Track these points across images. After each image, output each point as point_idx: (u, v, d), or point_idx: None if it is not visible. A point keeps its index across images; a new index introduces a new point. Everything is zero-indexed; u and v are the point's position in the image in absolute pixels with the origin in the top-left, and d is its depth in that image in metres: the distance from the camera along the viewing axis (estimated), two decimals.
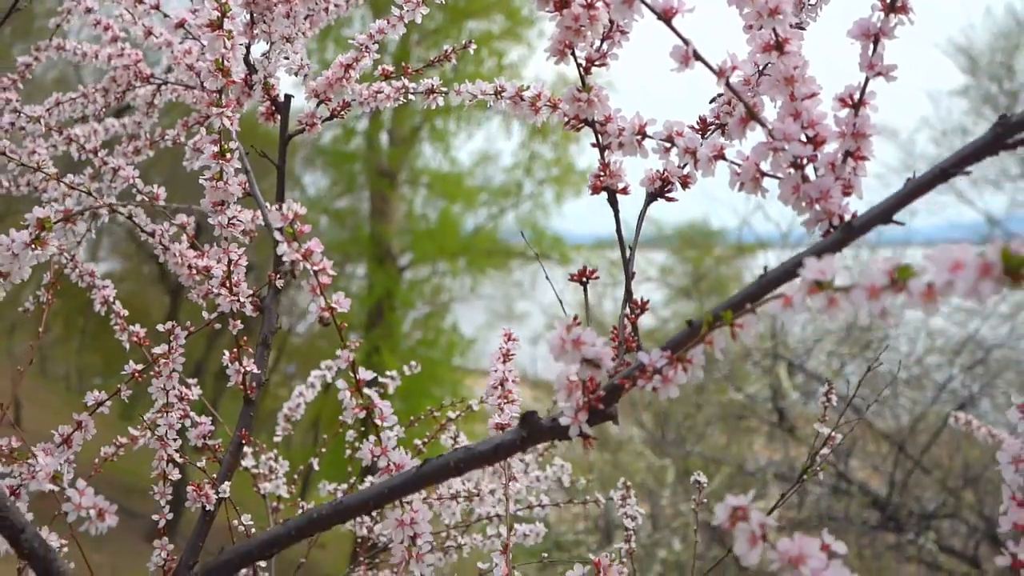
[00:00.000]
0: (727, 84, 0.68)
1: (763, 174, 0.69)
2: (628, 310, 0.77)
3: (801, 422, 6.79)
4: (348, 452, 1.46)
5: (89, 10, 1.31)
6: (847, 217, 0.64)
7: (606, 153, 0.80)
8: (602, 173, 0.81)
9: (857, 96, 0.66)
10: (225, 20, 0.84)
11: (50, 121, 1.24)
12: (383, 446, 0.77)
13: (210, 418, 1.16)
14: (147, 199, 1.20)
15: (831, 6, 0.88)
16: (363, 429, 1.59)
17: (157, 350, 1.01)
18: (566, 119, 0.81)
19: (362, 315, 9.43)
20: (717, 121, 0.79)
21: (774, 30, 0.67)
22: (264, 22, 1.07)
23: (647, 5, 0.66)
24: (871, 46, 0.66)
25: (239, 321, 1.08)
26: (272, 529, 0.72)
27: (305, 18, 1.10)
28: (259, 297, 1.11)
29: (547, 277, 1.09)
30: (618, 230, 0.80)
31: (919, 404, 7.21)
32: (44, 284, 1.25)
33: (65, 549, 0.95)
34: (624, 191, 0.80)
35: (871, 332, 7.33)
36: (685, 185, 0.80)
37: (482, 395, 1.34)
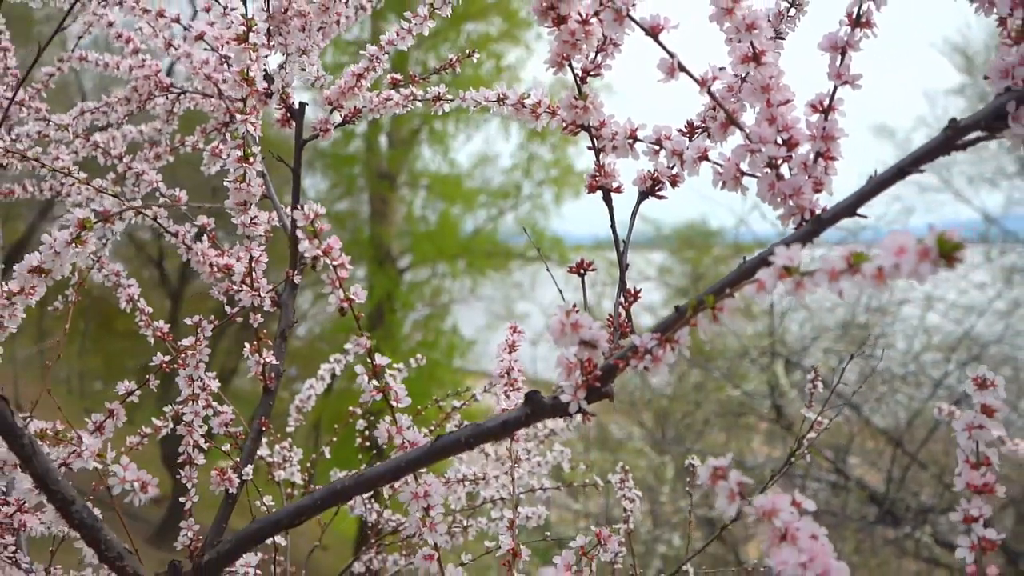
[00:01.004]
0: (709, 92, 0.76)
1: (742, 173, 0.76)
2: (622, 298, 0.85)
3: (799, 419, 6.85)
4: (359, 440, 1.53)
5: (111, 23, 1.38)
6: (817, 211, 0.72)
7: (601, 155, 0.87)
8: (597, 174, 0.88)
9: (827, 102, 0.74)
10: (251, 34, 0.91)
11: (77, 129, 1.32)
12: (398, 425, 0.84)
13: (230, 407, 1.23)
14: (169, 201, 1.27)
15: (808, 17, 0.96)
16: (371, 418, 1.65)
17: (185, 342, 1.08)
18: (564, 124, 0.88)
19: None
20: (703, 125, 0.86)
21: (751, 43, 0.74)
22: (280, 34, 1.14)
23: (636, 22, 0.74)
24: (839, 57, 0.73)
25: (259, 315, 1.16)
26: (300, 500, 0.79)
27: (318, 30, 1.17)
28: (277, 293, 1.19)
29: (548, 270, 1.16)
30: (612, 226, 0.88)
31: (916, 400, 7.28)
32: (72, 284, 1.32)
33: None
34: (618, 190, 0.88)
35: (867, 329, 7.41)
36: (674, 184, 0.87)
37: (487, 384, 1.42)
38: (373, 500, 1.59)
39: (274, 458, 1.50)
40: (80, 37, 1.48)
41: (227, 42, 1.16)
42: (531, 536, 1.37)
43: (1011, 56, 0.64)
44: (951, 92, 8.55)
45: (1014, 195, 8.47)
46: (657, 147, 0.84)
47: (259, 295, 1.09)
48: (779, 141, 0.74)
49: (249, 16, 0.92)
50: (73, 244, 0.87)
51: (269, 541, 1.34)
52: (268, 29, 1.13)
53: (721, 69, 0.78)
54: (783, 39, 0.92)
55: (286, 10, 1.13)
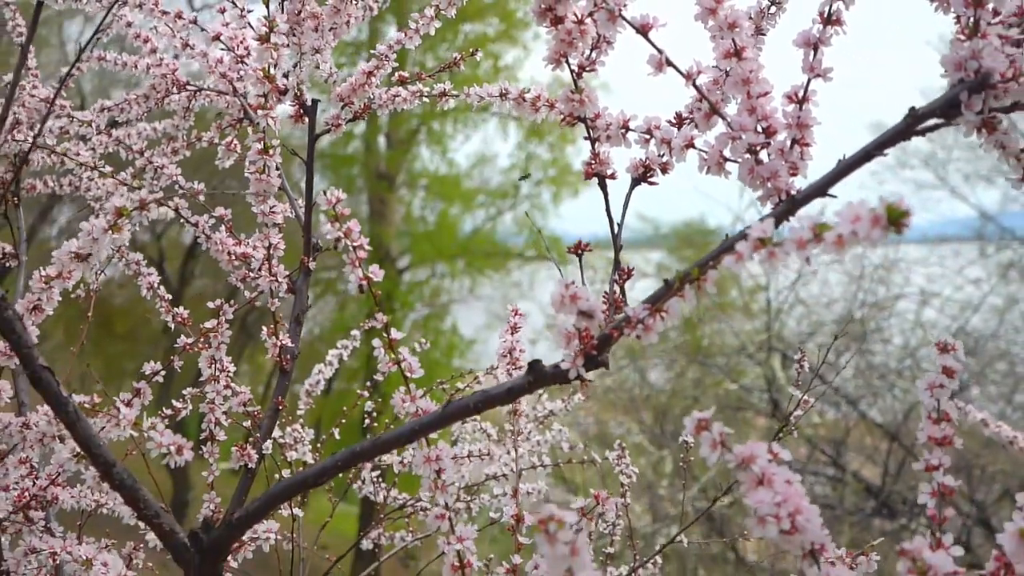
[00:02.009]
0: (694, 85, 0.83)
1: (725, 159, 0.83)
2: (616, 276, 0.92)
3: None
4: (367, 422, 1.60)
5: (129, 24, 1.45)
6: (792, 192, 0.79)
7: (596, 144, 0.95)
8: (593, 162, 0.95)
9: (801, 94, 0.81)
10: (272, 35, 0.98)
11: (100, 125, 1.39)
12: (412, 394, 0.91)
13: (248, 387, 1.30)
14: (188, 194, 1.34)
15: (788, 14, 1.03)
16: (379, 399, 1.72)
17: (207, 324, 1.15)
18: (562, 117, 0.95)
19: (361, 317, 9.56)
20: (690, 116, 0.93)
21: (733, 40, 0.82)
22: (294, 34, 1.21)
23: (627, 21, 0.81)
24: (812, 52, 0.80)
25: (275, 300, 1.23)
26: (322, 462, 0.86)
27: (330, 30, 1.25)
28: (292, 279, 1.26)
29: (552, 259, 1.23)
30: (607, 210, 0.95)
31: (911, 395, 7.36)
32: (94, 271, 1.39)
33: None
34: (612, 176, 0.95)
35: (864, 325, 7.49)
36: (664, 171, 0.94)
37: (489, 368, 1.49)
38: (382, 480, 1.66)
39: (286, 439, 1.57)
40: (97, 37, 1.55)
41: (241, 42, 1.24)
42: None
43: (963, 50, 0.71)
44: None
45: (1010, 192, 8.56)
46: (648, 136, 0.91)
47: (277, 280, 1.16)
48: (758, 129, 0.81)
49: (270, 18, 0.99)
50: (110, 231, 0.94)
51: (287, 515, 1.41)
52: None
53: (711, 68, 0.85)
54: (764, 35, 0.99)
55: (299, 12, 1.21)
